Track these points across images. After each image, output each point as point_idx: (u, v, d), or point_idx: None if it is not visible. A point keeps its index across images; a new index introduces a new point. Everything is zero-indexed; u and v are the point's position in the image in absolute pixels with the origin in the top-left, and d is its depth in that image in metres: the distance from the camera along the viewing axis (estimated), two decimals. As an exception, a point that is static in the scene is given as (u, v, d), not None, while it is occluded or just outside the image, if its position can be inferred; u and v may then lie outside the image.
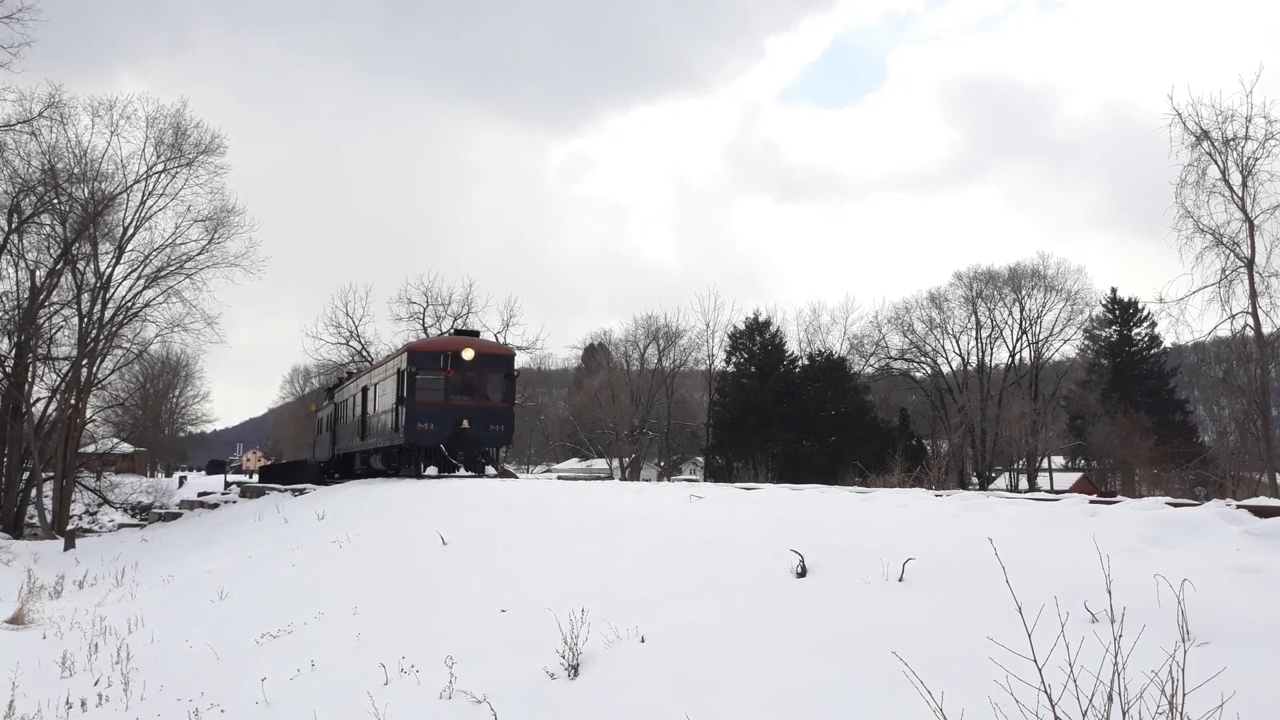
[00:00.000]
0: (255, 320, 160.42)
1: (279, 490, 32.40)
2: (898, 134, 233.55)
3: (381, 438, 27.71)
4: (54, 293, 38.24)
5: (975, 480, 59.99)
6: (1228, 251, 27.29)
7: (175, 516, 35.20)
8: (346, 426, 34.79)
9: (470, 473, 23.69)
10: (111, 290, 38.78)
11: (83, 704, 9.08)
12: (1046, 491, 36.90)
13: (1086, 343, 66.66)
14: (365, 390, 30.79)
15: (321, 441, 43.12)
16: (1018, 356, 65.67)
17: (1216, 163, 27.17)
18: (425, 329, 50.39)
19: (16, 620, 14.19)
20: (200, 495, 40.62)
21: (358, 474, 32.43)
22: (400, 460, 26.37)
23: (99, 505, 45.48)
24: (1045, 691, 3.36)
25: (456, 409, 24.19)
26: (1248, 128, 26.53)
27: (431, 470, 23.66)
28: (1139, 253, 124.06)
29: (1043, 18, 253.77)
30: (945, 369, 67.74)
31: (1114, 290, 64.99)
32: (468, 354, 24.45)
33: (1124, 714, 3.33)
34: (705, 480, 52.21)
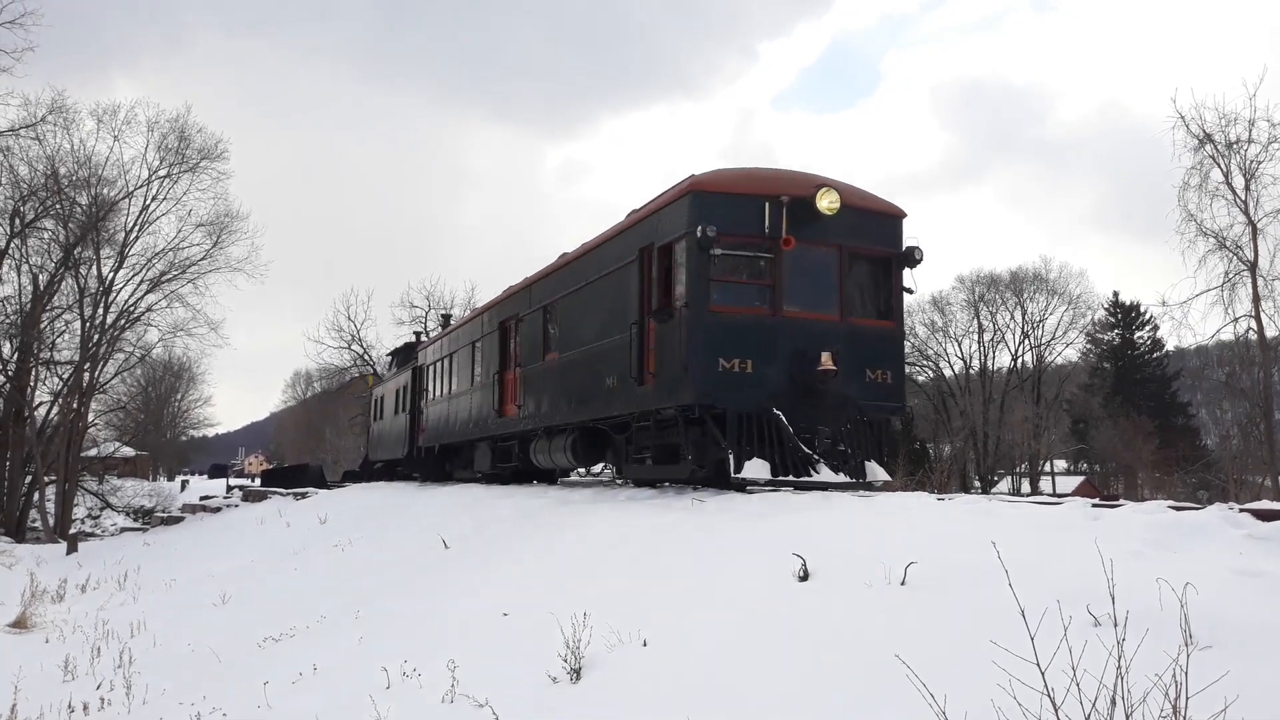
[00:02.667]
0: (257, 324, 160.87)
1: (281, 494, 32.40)
2: (893, 137, 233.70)
3: (569, 404, 14.65)
4: (56, 297, 38.40)
5: (977, 484, 59.91)
6: (1231, 255, 27.31)
7: (177, 520, 35.18)
8: (454, 401, 21.86)
9: (843, 475, 11.06)
10: (114, 295, 38.93)
11: (85, 708, 9.08)
12: (1049, 495, 36.86)
13: (1089, 346, 66.69)
14: (510, 326, 18.04)
15: (385, 432, 30.54)
16: (1020, 360, 65.72)
17: (1219, 166, 27.21)
18: (427, 333, 50.50)
19: (19, 624, 14.20)
20: (202, 499, 40.63)
21: (476, 476, 21.33)
22: (654, 445, 12.65)
23: (101, 509, 45.54)
24: (1048, 695, 3.36)
25: (800, 328, 11.34)
26: (1251, 131, 26.57)
27: (756, 469, 10.66)
28: (1140, 256, 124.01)
29: (1038, 19, 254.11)
30: (948, 372, 67.79)
31: (1116, 294, 65.01)
32: (827, 202, 11.31)
33: (1127, 718, 3.32)
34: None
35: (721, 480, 11.30)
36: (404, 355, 29.87)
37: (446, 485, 23.13)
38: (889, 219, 12.41)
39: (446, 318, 28.61)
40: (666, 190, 12.41)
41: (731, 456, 10.71)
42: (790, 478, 10.77)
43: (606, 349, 13.37)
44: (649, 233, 12.40)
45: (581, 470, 20.11)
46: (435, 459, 24.52)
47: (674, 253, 11.79)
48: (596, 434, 14.57)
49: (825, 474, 10.88)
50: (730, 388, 10.99)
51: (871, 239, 12.13)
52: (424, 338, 30.73)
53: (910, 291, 12.45)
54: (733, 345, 11.10)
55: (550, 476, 19.49)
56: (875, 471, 11.49)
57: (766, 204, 11.25)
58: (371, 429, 34.05)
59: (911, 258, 12.20)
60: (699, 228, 10.81)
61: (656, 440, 12.60)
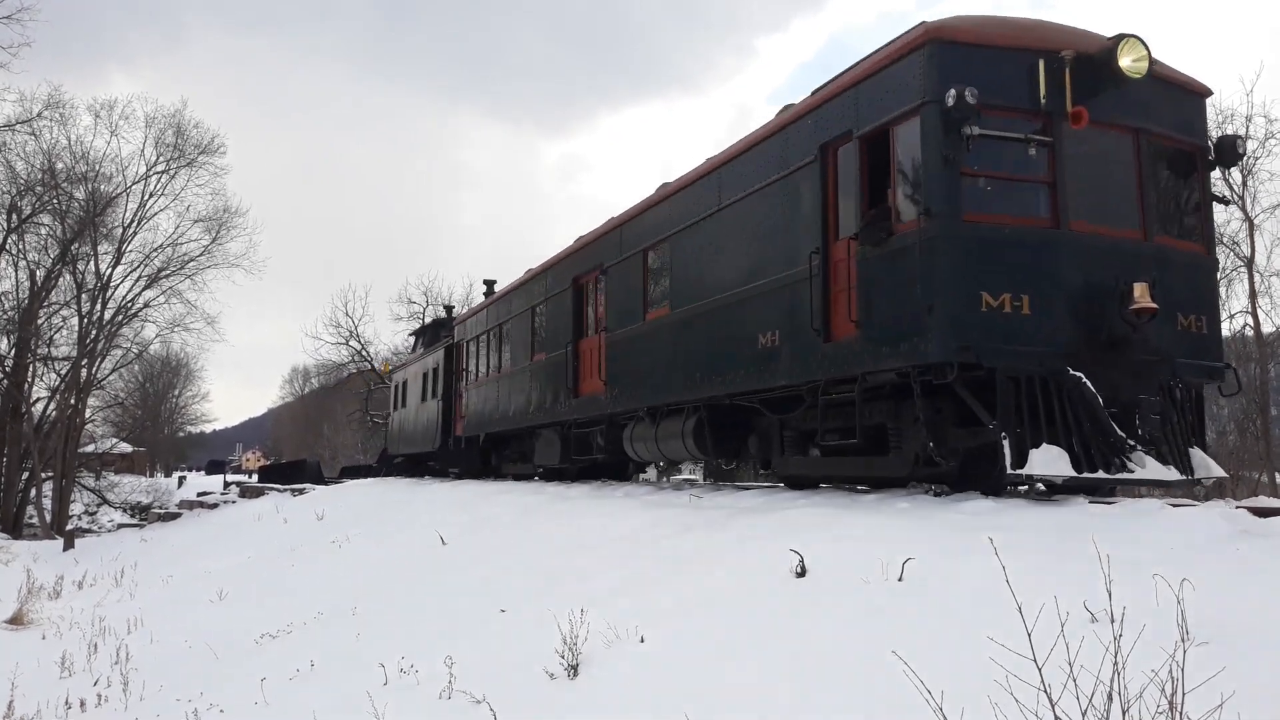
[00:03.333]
0: (254, 320, 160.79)
1: (278, 490, 32.43)
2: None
3: (690, 375, 11.42)
4: (53, 293, 38.37)
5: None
6: (1227, 250, 27.32)
7: (174, 516, 35.21)
8: (505, 381, 18.25)
9: (1172, 470, 7.69)
10: (111, 290, 38.92)
11: (82, 704, 9.08)
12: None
13: (1086, 342, 66.69)
14: (588, 282, 14.93)
15: (409, 422, 26.72)
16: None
17: (1217, 162, 27.16)
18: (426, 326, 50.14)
19: (16, 620, 14.20)
20: (199, 495, 40.63)
21: (537, 471, 18.18)
22: (837, 428, 9.32)
23: (98, 505, 45.52)
24: (1045, 691, 3.36)
25: (1094, 248, 7.97)
26: (1248, 127, 26.57)
27: (1046, 461, 7.22)
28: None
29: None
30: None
31: (1113, 290, 65.00)
32: (1131, 60, 7.88)
33: (1124, 713, 3.32)
34: (705, 480, 51.96)
35: (979, 478, 8.51)
36: (432, 333, 26.67)
37: (446, 482, 23.12)
38: (1192, 97, 8.93)
39: (491, 284, 23.44)
40: (875, 51, 8.85)
41: (1006, 443, 7.29)
42: (1086, 474, 7.38)
43: (758, 295, 9.96)
44: (841, 118, 8.86)
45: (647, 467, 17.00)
46: (478, 451, 21.14)
47: (894, 139, 8.22)
48: (732, 415, 11.32)
49: (1150, 468, 7.56)
50: (999, 336, 7.57)
51: (1173, 123, 8.59)
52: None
53: (1224, 202, 8.68)
54: (1000, 274, 7.65)
55: (622, 471, 16.61)
56: (1207, 464, 8.11)
57: (1041, 62, 7.89)
58: (391, 419, 30.21)
59: (1231, 151, 8.67)
60: (950, 92, 7.42)
61: (837, 422, 9.17)
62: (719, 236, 11.01)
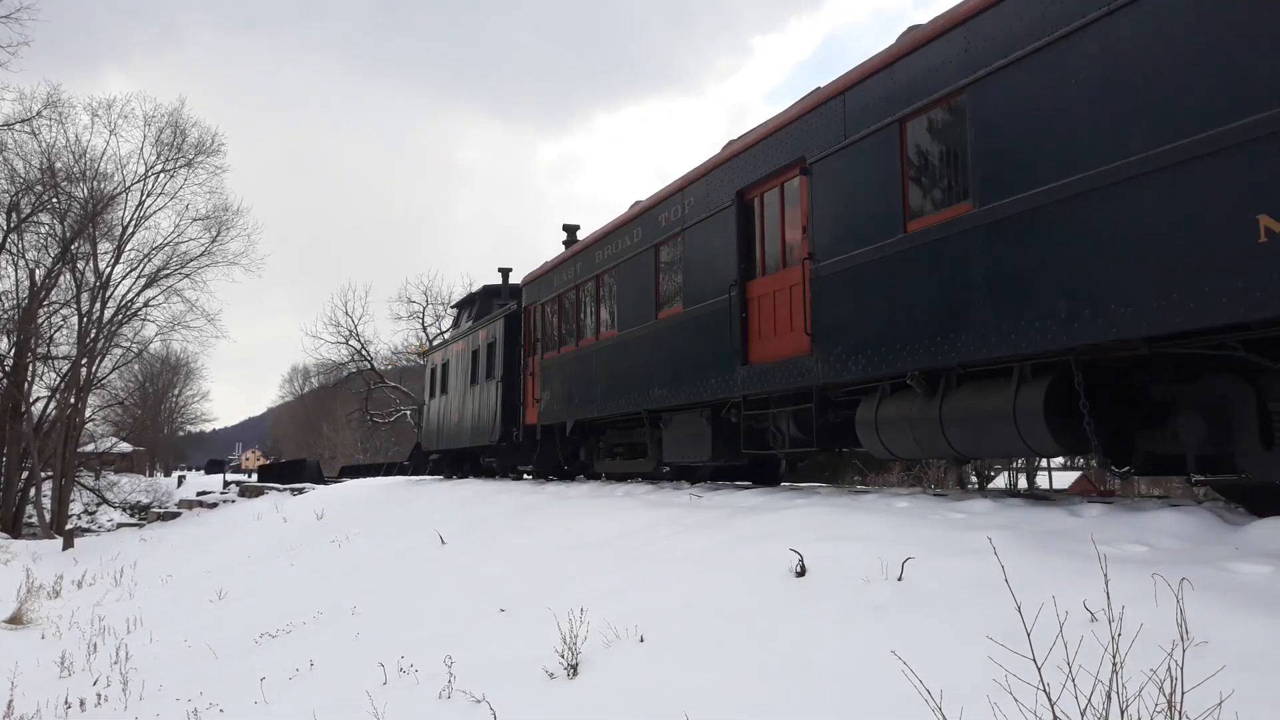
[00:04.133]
0: (253, 320, 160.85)
1: (278, 490, 32.48)
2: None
3: (1066, 305, 6.43)
4: (53, 292, 38.40)
5: (974, 480, 59.92)
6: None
7: (174, 516, 35.27)
8: (606, 351, 14.23)
9: None
10: (111, 289, 38.96)
11: (81, 704, 9.08)
12: (1046, 490, 36.87)
13: (1086, 342, 66.56)
14: (762, 196, 10.52)
15: (453, 412, 22.42)
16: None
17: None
18: (425, 328, 50.21)
19: (15, 620, 14.22)
20: (199, 495, 40.69)
21: (662, 472, 14.13)
22: None
23: (98, 505, 45.59)
24: (1044, 690, 3.36)
25: None
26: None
27: None
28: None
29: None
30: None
31: (1113, 289, 64.89)
32: None
33: (1123, 713, 3.33)
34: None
35: None
36: (483, 302, 22.03)
37: (446, 482, 23.09)
38: None
39: (572, 229, 19.01)
40: None
41: None
42: None
43: (1249, 143, 5.26)
44: None
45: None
46: (557, 445, 16.77)
47: None
48: (1115, 381, 7.05)
49: None
50: None
51: None
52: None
53: None
54: None
55: (759, 473, 13.14)
56: None
57: None
58: (426, 410, 25.95)
59: None
60: None
61: None
62: (1117, 62, 6.17)
